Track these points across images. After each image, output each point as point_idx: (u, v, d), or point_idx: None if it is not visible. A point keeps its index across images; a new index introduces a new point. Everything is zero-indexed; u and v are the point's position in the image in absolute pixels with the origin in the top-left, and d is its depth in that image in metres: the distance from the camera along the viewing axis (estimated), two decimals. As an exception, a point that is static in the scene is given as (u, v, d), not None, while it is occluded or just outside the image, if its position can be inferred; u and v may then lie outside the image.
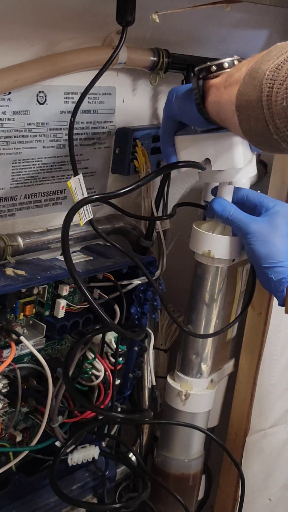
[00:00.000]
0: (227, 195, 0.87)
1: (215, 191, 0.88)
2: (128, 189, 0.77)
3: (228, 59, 0.74)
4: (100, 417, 0.93)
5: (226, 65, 0.74)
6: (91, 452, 0.94)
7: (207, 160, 0.82)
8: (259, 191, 0.89)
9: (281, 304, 0.84)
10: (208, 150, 0.81)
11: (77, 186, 0.81)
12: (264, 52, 0.68)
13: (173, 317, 0.93)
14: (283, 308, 0.84)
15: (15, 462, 0.85)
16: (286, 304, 0.82)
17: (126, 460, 1.02)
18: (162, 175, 1.01)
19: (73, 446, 0.92)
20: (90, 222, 0.85)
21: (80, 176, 0.81)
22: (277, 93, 0.64)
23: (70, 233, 0.90)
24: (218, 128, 0.78)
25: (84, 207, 0.81)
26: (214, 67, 0.74)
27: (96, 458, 0.95)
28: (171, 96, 0.81)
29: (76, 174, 0.82)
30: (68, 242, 0.73)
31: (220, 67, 0.74)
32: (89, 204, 0.82)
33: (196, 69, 0.76)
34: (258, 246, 0.82)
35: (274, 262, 0.81)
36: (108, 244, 0.91)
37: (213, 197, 0.88)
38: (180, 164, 0.83)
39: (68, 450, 0.92)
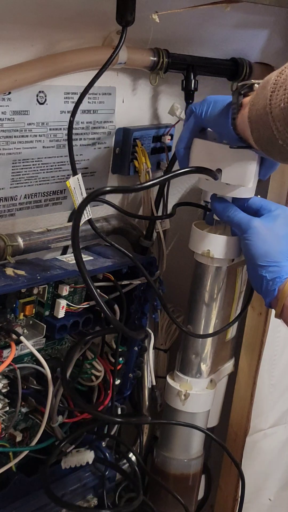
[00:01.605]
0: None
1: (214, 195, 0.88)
2: (145, 185, 0.77)
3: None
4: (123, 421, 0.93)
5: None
6: (85, 456, 0.94)
7: (218, 171, 0.82)
8: (259, 196, 0.89)
9: (268, 305, 0.83)
10: (223, 161, 0.81)
11: (76, 186, 0.81)
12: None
13: (172, 317, 0.93)
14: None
15: (15, 462, 0.85)
16: (277, 307, 0.82)
17: (119, 467, 1.02)
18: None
19: (72, 446, 0.93)
20: (89, 222, 0.85)
21: (79, 176, 0.81)
22: (277, 96, 0.64)
23: (70, 233, 0.90)
24: (247, 147, 0.77)
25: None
26: (256, 85, 0.74)
27: (90, 463, 0.95)
28: (208, 104, 0.80)
29: (75, 173, 0.82)
30: (78, 239, 0.72)
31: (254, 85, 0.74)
32: (88, 204, 0.82)
33: (239, 84, 0.75)
34: (256, 243, 0.82)
35: (270, 261, 0.81)
36: (108, 244, 0.91)
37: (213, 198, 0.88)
38: (197, 169, 0.82)
39: (68, 450, 0.92)
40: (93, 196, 0.73)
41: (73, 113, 0.81)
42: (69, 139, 0.81)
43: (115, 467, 1.00)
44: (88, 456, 0.94)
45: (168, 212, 1.02)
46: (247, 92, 0.74)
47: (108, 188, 0.76)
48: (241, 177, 0.81)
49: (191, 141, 0.83)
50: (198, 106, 0.81)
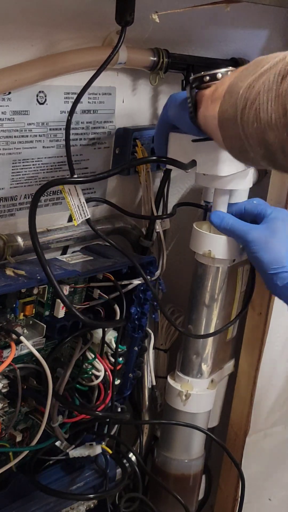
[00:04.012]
0: (223, 205, 0.88)
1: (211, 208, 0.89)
2: (102, 176, 0.81)
3: (223, 70, 0.73)
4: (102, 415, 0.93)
5: (219, 75, 0.73)
6: (91, 450, 0.95)
7: (194, 162, 0.82)
8: (257, 201, 0.89)
9: None
10: (196, 152, 0.82)
11: (71, 187, 0.81)
12: (244, 67, 0.68)
13: (169, 318, 0.93)
14: (284, 308, 0.84)
15: (15, 462, 0.85)
16: None
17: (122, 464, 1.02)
18: (163, 175, 1.01)
19: (72, 446, 0.93)
20: (87, 221, 0.85)
21: (76, 176, 0.81)
22: (249, 114, 0.63)
23: (69, 233, 0.90)
24: (209, 138, 0.78)
25: (78, 206, 0.81)
26: (207, 77, 0.74)
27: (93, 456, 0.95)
28: (170, 101, 0.81)
29: (72, 173, 0.81)
30: (35, 229, 0.77)
31: (213, 77, 0.73)
32: (85, 204, 0.82)
33: (190, 78, 0.75)
34: (260, 253, 0.83)
35: (278, 268, 0.81)
36: (108, 244, 0.91)
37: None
38: (162, 159, 0.85)
39: (68, 450, 0.93)
40: (49, 186, 0.77)
41: (71, 112, 0.81)
42: (67, 138, 0.81)
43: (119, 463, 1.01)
44: (94, 450, 0.95)
45: (168, 212, 1.02)
46: (199, 85, 0.74)
47: (69, 179, 0.80)
48: (214, 166, 0.82)
49: (165, 137, 0.84)
50: (165, 104, 0.82)
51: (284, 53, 0.63)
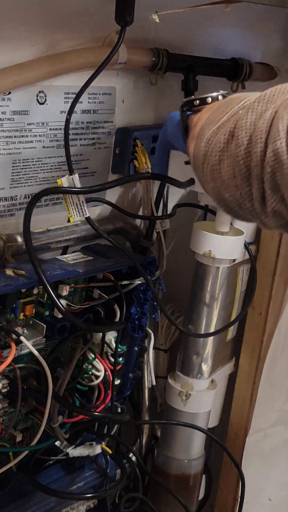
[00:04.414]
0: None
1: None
2: (96, 188, 0.82)
3: (214, 94, 0.72)
4: (101, 416, 0.93)
5: (209, 100, 0.72)
6: (91, 450, 0.95)
7: (192, 180, 0.82)
8: None
9: None
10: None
11: (71, 186, 0.81)
12: (218, 104, 0.66)
13: (170, 318, 0.93)
14: (284, 308, 0.84)
15: (15, 462, 0.85)
16: None
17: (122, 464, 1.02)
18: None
19: (72, 446, 0.93)
20: (87, 220, 0.85)
21: (75, 176, 0.80)
22: (206, 170, 0.62)
23: (70, 233, 0.90)
24: None
25: (77, 204, 0.81)
26: (197, 101, 0.73)
27: (92, 455, 0.95)
28: (168, 121, 0.81)
29: (71, 173, 0.81)
30: (30, 234, 0.77)
31: (204, 101, 0.72)
32: (85, 202, 0.82)
33: (183, 100, 0.75)
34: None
35: None
36: (108, 244, 0.91)
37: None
38: (160, 176, 0.86)
39: (68, 450, 0.93)
40: (43, 194, 0.77)
41: (70, 112, 0.81)
42: (66, 138, 0.81)
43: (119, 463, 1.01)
44: (93, 450, 0.95)
45: (168, 212, 1.02)
46: (190, 109, 0.73)
47: (64, 189, 0.80)
48: None
49: (166, 154, 0.85)
50: (164, 123, 0.82)
51: (244, 99, 0.60)
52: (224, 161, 0.59)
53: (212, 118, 0.63)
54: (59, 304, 0.78)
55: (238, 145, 0.57)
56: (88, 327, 0.87)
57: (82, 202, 0.82)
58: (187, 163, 0.78)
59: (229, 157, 0.58)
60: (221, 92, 0.73)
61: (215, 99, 0.72)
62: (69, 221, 0.92)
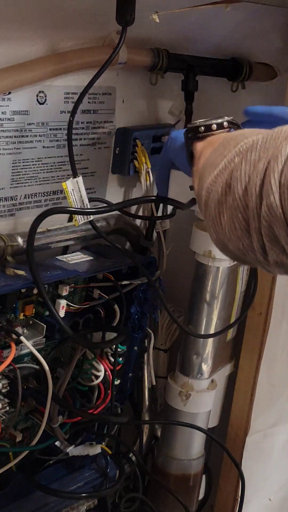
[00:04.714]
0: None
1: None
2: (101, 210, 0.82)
3: (219, 120, 0.70)
4: (100, 418, 0.93)
5: (214, 127, 0.70)
6: (91, 449, 0.95)
7: (193, 200, 0.82)
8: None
9: None
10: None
11: (75, 189, 0.81)
12: (218, 142, 0.64)
13: (173, 317, 0.93)
14: (283, 308, 0.84)
15: (15, 462, 0.85)
16: None
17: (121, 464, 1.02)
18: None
19: (72, 446, 0.93)
20: (90, 223, 0.85)
21: (79, 179, 0.81)
22: (208, 222, 0.61)
23: (70, 233, 0.90)
24: None
25: (82, 207, 0.82)
26: (202, 128, 0.71)
27: (91, 455, 0.95)
28: (170, 141, 0.80)
29: (75, 174, 0.81)
30: (33, 247, 0.77)
31: (209, 128, 0.71)
32: (89, 206, 0.82)
33: (188, 125, 0.73)
34: None
35: None
36: (108, 244, 0.91)
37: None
38: (161, 198, 0.86)
39: (68, 450, 0.92)
40: (47, 214, 0.77)
41: (73, 113, 0.81)
42: (69, 139, 0.81)
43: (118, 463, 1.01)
44: (93, 450, 0.95)
45: (168, 212, 1.02)
46: (195, 135, 0.72)
47: (69, 209, 0.82)
48: None
49: (166, 174, 0.84)
50: (166, 142, 0.81)
51: (241, 142, 0.58)
52: (224, 213, 0.59)
53: (212, 160, 0.62)
54: (58, 317, 0.79)
55: (235, 198, 0.57)
56: (78, 338, 0.88)
57: (86, 205, 0.82)
58: (191, 188, 0.77)
59: (228, 210, 0.58)
60: (226, 118, 0.71)
61: (220, 126, 0.71)
62: (69, 221, 0.93)
